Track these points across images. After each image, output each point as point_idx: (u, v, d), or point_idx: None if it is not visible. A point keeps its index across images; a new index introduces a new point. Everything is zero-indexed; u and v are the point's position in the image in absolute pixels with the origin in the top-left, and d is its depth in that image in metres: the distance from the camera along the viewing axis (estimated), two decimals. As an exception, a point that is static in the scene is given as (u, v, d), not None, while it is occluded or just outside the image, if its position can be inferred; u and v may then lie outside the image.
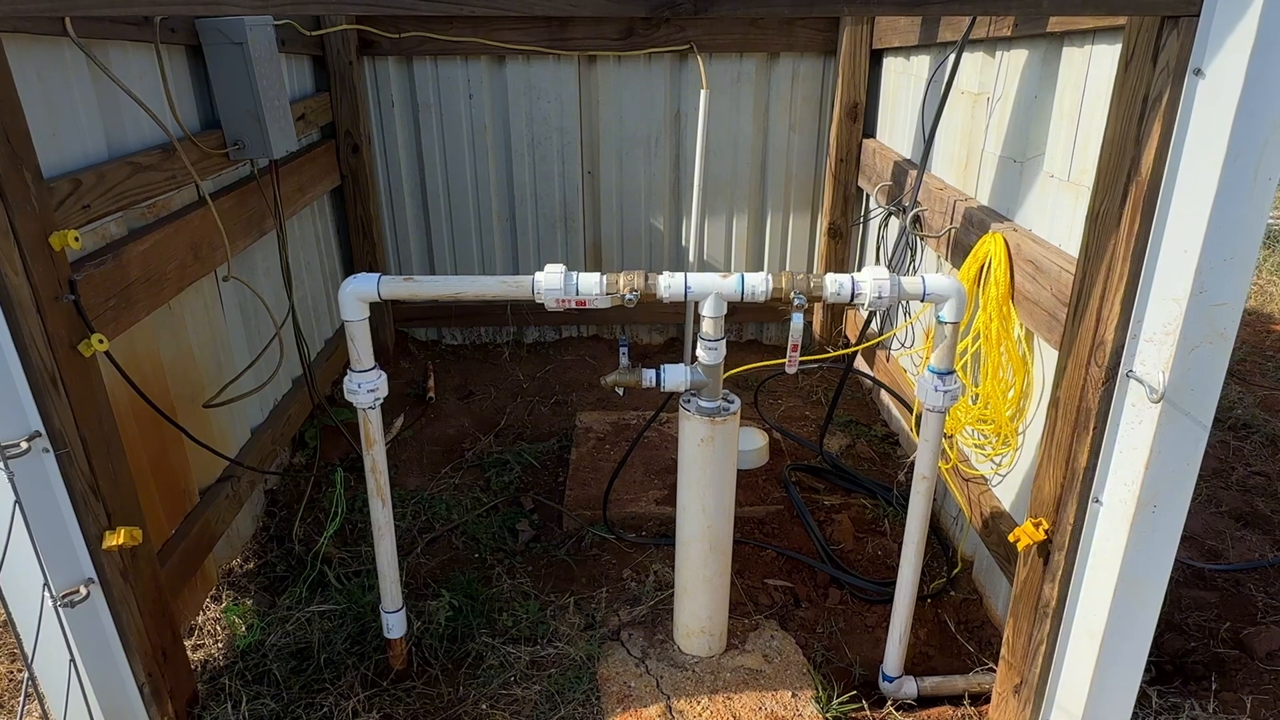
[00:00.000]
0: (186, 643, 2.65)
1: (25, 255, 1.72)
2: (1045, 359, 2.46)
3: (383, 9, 1.51)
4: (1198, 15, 1.48)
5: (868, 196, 4.35)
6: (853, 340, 4.58)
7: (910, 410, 3.52)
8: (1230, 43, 1.45)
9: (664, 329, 5.11)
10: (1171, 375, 1.66)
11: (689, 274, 2.08)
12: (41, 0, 1.49)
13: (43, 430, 1.80)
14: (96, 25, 2.28)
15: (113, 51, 2.40)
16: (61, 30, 2.11)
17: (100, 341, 1.91)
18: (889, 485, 3.42)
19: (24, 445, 1.75)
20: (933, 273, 2.09)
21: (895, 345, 3.88)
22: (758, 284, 2.07)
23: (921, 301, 2.11)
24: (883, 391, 4.09)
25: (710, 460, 2.28)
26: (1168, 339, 1.67)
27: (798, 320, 2.07)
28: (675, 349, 5.02)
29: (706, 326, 2.13)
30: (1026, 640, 2.16)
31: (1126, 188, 1.68)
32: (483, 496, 3.47)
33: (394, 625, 2.52)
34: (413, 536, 3.20)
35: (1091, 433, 1.83)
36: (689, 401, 2.28)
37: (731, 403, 2.28)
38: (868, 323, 3.53)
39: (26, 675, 1.57)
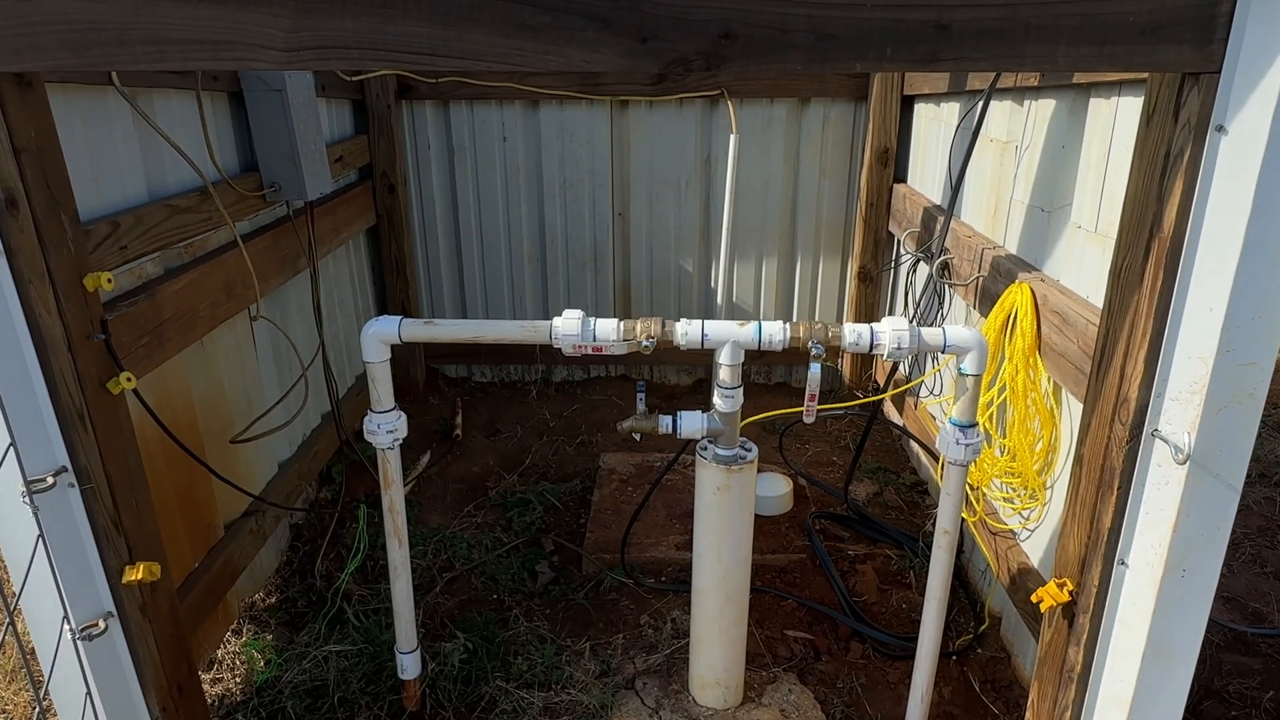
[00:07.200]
0: (206, 676, 2.67)
1: (59, 296, 1.78)
2: (1074, 412, 2.40)
3: (404, 66, 1.55)
4: (1219, 72, 1.45)
5: (898, 242, 4.33)
6: (882, 386, 4.52)
7: (936, 459, 3.45)
8: (1253, 99, 1.42)
9: (692, 370, 5.10)
10: (1199, 436, 1.62)
11: (706, 321, 2.08)
12: (83, 56, 1.55)
13: (69, 466, 1.84)
14: (141, 75, 2.37)
15: (157, 98, 2.50)
16: (107, 80, 2.21)
17: (128, 380, 1.96)
18: (915, 535, 3.35)
19: (50, 480, 1.79)
20: (959, 323, 2.07)
21: (924, 392, 3.83)
22: (775, 333, 2.06)
23: (942, 353, 2.08)
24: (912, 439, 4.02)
25: (727, 509, 2.26)
26: (1194, 398, 1.62)
27: (815, 370, 2.05)
28: (703, 390, 5.00)
29: (723, 374, 2.13)
30: (1051, 705, 2.08)
31: (1149, 244, 1.65)
32: (504, 536, 3.46)
33: (408, 666, 2.51)
34: (433, 575, 3.20)
35: (1116, 492, 1.78)
36: (705, 449, 2.27)
37: (749, 451, 2.26)
38: (893, 370, 3.48)
39: (37, 709, 1.59)
